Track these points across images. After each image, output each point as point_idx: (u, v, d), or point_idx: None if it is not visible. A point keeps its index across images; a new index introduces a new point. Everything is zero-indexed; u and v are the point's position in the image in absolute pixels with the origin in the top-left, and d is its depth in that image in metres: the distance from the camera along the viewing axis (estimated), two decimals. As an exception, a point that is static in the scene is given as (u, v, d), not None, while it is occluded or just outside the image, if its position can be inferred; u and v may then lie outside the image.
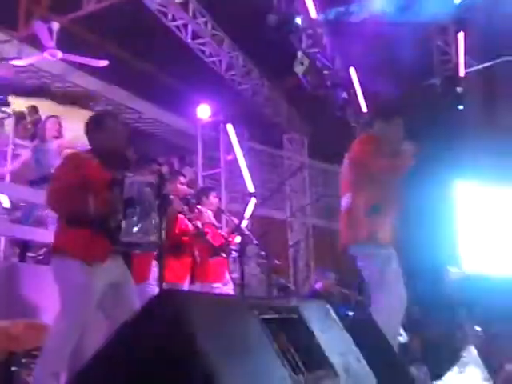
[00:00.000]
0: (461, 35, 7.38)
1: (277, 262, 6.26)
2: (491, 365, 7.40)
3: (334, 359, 1.82)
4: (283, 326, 1.81)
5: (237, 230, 5.20)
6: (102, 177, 2.86)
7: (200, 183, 8.96)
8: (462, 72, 7.49)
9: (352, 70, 7.60)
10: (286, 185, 10.12)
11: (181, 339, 1.52)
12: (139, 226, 2.76)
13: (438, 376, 6.64)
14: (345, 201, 3.72)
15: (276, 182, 10.33)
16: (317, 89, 7.95)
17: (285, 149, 10.24)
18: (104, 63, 7.31)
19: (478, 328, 8.78)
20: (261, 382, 1.55)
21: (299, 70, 7.34)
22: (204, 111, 8.89)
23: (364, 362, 2.04)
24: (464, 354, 7.21)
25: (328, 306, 2.21)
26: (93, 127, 3.14)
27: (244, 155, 9.01)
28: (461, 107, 7.90)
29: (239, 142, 8.92)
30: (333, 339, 1.97)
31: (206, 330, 1.53)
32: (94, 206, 2.78)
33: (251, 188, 8.56)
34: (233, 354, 1.53)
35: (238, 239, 5.14)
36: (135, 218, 2.76)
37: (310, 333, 1.88)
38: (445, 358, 7.34)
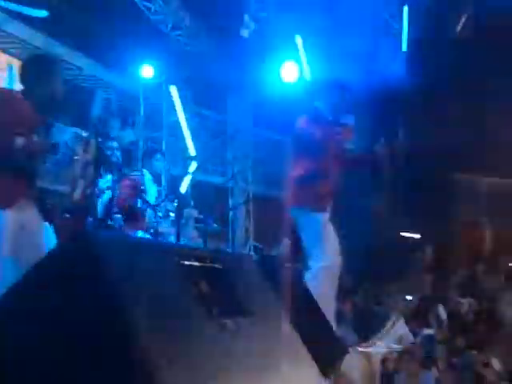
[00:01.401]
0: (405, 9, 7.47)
1: (215, 225, 6.28)
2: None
3: (254, 308, 1.85)
4: (205, 273, 1.82)
5: (174, 192, 5.17)
6: (35, 117, 2.74)
7: (141, 146, 8.81)
8: (404, 47, 7.62)
9: (298, 38, 7.60)
10: (228, 150, 10.08)
11: (97, 282, 1.50)
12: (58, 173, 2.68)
13: (365, 338, 6.94)
14: (289, 167, 3.79)
15: (219, 147, 10.27)
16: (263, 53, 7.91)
17: (229, 113, 10.17)
18: (43, 14, 6.98)
19: (406, 296, 9.21)
20: (178, 326, 1.56)
21: (245, 33, 7.27)
22: (147, 71, 8.67)
23: (286, 315, 2.08)
24: (391, 319, 7.55)
25: (254, 259, 2.23)
26: (28, 69, 3.01)
27: (187, 119, 8.89)
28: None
29: (183, 104, 8.78)
30: (256, 291, 2.00)
31: (123, 272, 1.52)
32: (22, 146, 2.65)
33: (192, 152, 8.49)
34: (150, 298, 1.52)
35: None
36: (55, 165, 2.67)
37: (232, 282, 1.90)
38: (373, 322, 7.66)
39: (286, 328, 1.94)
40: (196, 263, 1.81)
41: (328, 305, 3.50)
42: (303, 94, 6.86)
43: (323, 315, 2.84)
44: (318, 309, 2.80)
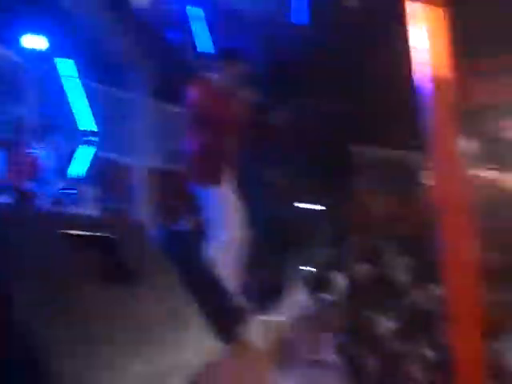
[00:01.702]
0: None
1: (114, 202, 6.13)
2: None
3: (146, 277, 1.83)
4: (92, 241, 1.77)
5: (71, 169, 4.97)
6: None
7: (36, 121, 8.32)
8: (300, 20, 7.74)
9: (188, 9, 7.47)
10: (127, 125, 9.79)
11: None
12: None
13: (268, 308, 7.14)
14: (187, 143, 3.76)
15: (118, 124, 9.95)
16: (161, 27, 7.72)
17: (128, 89, 9.84)
18: None
19: (305, 267, 9.55)
20: (61, 297, 1.51)
21: (141, 4, 7.04)
22: (36, 42, 8.17)
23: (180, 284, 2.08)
24: (292, 288, 7.83)
25: (148, 230, 2.21)
26: None
27: (85, 93, 8.51)
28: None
29: (80, 79, 8.38)
30: (148, 260, 1.98)
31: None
32: None
33: (91, 127, 8.17)
34: (30, 269, 1.45)
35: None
36: None
37: (121, 250, 1.87)
38: (275, 292, 7.90)
39: (179, 296, 1.94)
40: (83, 232, 1.76)
41: (231, 276, 3.55)
42: (202, 66, 6.77)
43: (222, 286, 2.88)
44: (217, 279, 2.83)
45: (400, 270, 11.04)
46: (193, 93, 3.66)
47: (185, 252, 2.97)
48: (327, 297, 7.84)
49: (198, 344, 1.82)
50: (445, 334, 6.50)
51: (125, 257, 1.84)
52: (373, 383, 5.82)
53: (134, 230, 2.13)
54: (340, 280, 9.43)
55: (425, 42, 4.87)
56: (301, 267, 9.13)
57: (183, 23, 7.68)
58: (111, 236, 1.87)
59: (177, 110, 9.71)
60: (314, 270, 9.52)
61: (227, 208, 3.63)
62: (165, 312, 1.78)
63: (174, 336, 1.72)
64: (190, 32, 7.68)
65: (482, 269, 10.08)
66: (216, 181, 3.63)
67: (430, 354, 6.77)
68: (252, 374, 2.62)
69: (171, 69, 8.04)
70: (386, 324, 7.20)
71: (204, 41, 7.81)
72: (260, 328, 4.96)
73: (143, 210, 9.02)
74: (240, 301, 3.61)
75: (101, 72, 9.14)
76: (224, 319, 2.28)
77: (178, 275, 2.10)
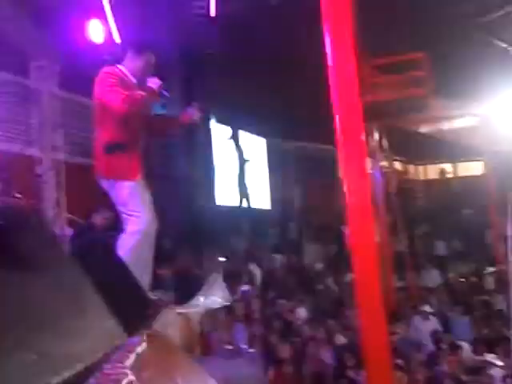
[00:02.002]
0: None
1: (18, 195, 5.85)
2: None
3: (38, 264, 1.78)
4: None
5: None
6: None
7: None
8: (212, 11, 7.73)
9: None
10: (34, 118, 9.34)
11: None
12: None
13: (184, 300, 7.11)
14: (95, 136, 3.66)
15: (23, 115, 9.46)
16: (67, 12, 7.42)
17: (32, 78, 9.37)
18: None
19: (221, 258, 9.63)
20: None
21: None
22: None
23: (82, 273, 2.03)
24: (210, 280, 7.84)
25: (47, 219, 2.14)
26: None
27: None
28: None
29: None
30: (42, 248, 1.92)
31: None
32: None
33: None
34: None
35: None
36: None
37: (13, 238, 1.81)
38: (192, 285, 7.89)
39: (79, 285, 1.91)
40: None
41: (144, 267, 3.50)
42: (109, 56, 6.58)
43: (133, 276, 2.84)
44: (127, 270, 2.79)
45: (314, 258, 11.42)
46: (99, 84, 3.55)
47: (93, 244, 2.92)
48: (244, 287, 7.96)
49: (98, 332, 1.80)
50: (354, 319, 6.81)
51: (18, 244, 1.77)
52: (286, 369, 5.98)
53: (32, 219, 2.05)
54: (255, 270, 9.60)
55: (330, 40, 5.05)
56: (218, 258, 9.18)
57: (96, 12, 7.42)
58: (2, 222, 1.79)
59: (86, 101, 9.41)
60: (231, 260, 9.62)
61: (139, 199, 3.57)
62: (61, 300, 1.74)
63: (70, 324, 1.68)
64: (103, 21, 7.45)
65: (386, 256, 10.61)
66: (127, 176, 3.55)
67: (340, 338, 7.07)
68: (163, 365, 2.61)
69: (80, 59, 7.76)
70: (299, 311, 7.40)
71: (116, 30, 7.62)
72: (175, 319, 4.94)
73: (49, 204, 8.67)
74: (151, 292, 3.57)
75: (5, 59, 8.64)
76: (131, 309, 2.27)
77: (83, 266, 2.06)
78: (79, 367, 1.60)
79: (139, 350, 2.32)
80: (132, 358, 2.12)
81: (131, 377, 1.95)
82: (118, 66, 3.71)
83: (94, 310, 1.87)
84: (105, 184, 3.64)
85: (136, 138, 3.63)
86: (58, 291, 1.79)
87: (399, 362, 6.46)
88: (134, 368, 2.04)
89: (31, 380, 1.47)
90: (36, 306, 1.64)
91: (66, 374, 1.54)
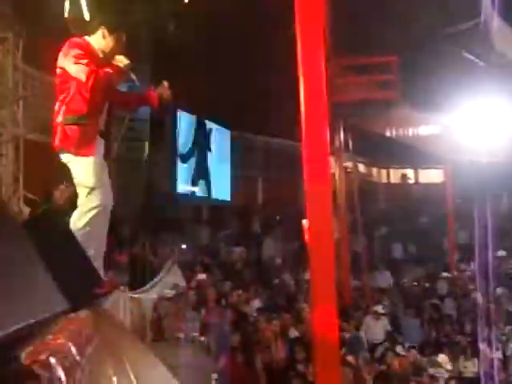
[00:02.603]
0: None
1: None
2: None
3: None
4: None
5: None
6: None
7: None
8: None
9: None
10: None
11: None
12: None
13: (140, 285, 7.06)
14: (57, 110, 3.54)
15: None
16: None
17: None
18: None
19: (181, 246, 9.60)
20: None
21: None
22: None
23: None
24: (165, 268, 7.80)
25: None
26: None
27: None
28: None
29: None
30: None
31: None
32: None
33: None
34: None
35: None
36: None
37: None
38: (148, 271, 7.83)
39: (22, 251, 1.86)
40: None
41: (97, 245, 3.44)
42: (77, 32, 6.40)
43: (82, 253, 2.78)
44: (76, 245, 2.73)
45: (273, 253, 11.48)
46: (66, 53, 3.45)
47: (47, 219, 2.85)
48: (200, 276, 7.93)
49: (39, 296, 1.75)
50: (307, 312, 6.87)
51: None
52: (237, 359, 5.99)
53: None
54: (212, 262, 9.59)
55: (300, 37, 5.08)
56: (175, 247, 9.13)
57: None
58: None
59: (48, 77, 9.17)
60: (188, 249, 9.58)
61: (94, 178, 3.49)
62: (3, 262, 1.68)
63: (11, 285, 1.63)
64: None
65: (343, 255, 10.74)
66: (86, 151, 3.48)
67: (293, 331, 7.13)
68: (109, 343, 2.56)
69: (46, 33, 7.54)
70: (254, 303, 7.42)
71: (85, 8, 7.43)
72: (126, 303, 4.88)
73: (7, 181, 8.42)
74: (104, 273, 3.50)
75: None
76: (77, 283, 2.22)
77: (32, 237, 2.00)
78: (18, 325, 1.55)
79: (83, 324, 2.28)
80: (74, 330, 2.08)
81: (72, 349, 1.92)
82: (86, 38, 3.62)
83: (36, 277, 1.83)
84: (64, 157, 3.56)
85: (96, 112, 3.55)
86: (2, 256, 1.74)
87: (349, 358, 6.56)
88: (76, 341, 2.01)
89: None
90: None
91: (4, 331, 1.49)
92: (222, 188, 12.60)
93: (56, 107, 3.59)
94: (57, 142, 3.56)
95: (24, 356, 1.63)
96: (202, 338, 5.95)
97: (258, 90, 11.70)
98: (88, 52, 3.52)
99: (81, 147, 3.50)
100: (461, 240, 13.51)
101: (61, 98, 3.54)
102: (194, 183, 11.77)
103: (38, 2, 7.85)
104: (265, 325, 6.74)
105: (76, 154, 3.52)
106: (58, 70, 3.54)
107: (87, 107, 3.47)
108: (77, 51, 3.46)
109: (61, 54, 3.51)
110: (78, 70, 3.39)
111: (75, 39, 3.60)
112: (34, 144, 9.05)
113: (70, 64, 3.43)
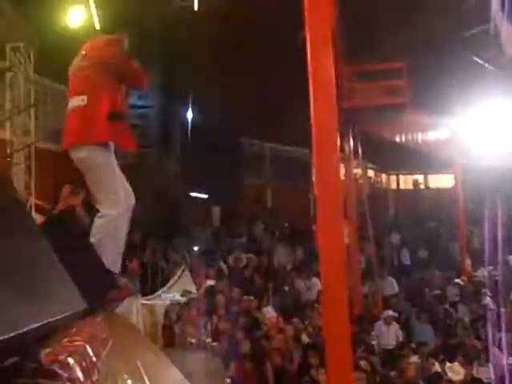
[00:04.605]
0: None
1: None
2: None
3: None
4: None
5: None
6: None
7: None
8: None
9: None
10: (7, 100, 9.16)
11: None
12: None
13: (152, 291, 7.09)
14: (77, 101, 3.46)
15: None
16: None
17: (8, 59, 9.18)
18: None
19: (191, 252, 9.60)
20: None
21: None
22: None
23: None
24: (177, 273, 7.82)
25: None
26: None
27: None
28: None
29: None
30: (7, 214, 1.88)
31: None
32: None
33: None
34: None
35: None
36: None
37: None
38: (159, 277, 7.86)
39: (42, 252, 1.88)
40: None
41: (115, 251, 3.37)
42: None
43: (99, 258, 2.80)
44: (92, 249, 2.76)
45: (283, 259, 11.46)
46: (111, 47, 3.46)
47: (63, 222, 2.87)
48: (210, 282, 7.93)
49: (58, 296, 1.76)
50: (320, 318, 6.85)
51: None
52: (249, 366, 5.97)
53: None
54: (223, 267, 9.58)
55: (309, 43, 5.09)
56: (185, 253, 9.15)
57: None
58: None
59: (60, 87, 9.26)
60: (198, 256, 9.58)
61: (115, 181, 3.43)
62: (24, 263, 1.70)
63: (32, 285, 1.65)
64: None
65: (354, 261, 10.68)
66: (126, 144, 3.42)
67: (305, 337, 7.11)
68: (123, 346, 2.58)
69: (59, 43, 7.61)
70: (266, 309, 7.41)
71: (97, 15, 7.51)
72: (139, 308, 4.90)
73: (19, 188, 8.48)
74: (117, 277, 3.50)
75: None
76: (93, 285, 2.23)
77: (51, 239, 2.02)
78: (36, 325, 1.57)
79: (99, 327, 2.30)
80: (90, 333, 2.10)
81: (88, 350, 1.94)
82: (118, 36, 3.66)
83: (56, 277, 1.85)
84: (79, 157, 3.43)
85: (126, 111, 3.57)
86: (22, 255, 1.76)
87: (362, 363, 6.52)
88: (93, 343, 2.02)
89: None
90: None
91: (23, 330, 1.51)
92: (232, 194, 12.60)
93: (88, 101, 3.49)
94: (92, 135, 3.44)
95: (43, 356, 1.66)
96: (214, 344, 5.95)
97: (268, 97, 11.73)
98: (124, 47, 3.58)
99: (123, 142, 3.45)
100: (473, 245, 13.42)
101: (95, 91, 3.48)
102: (204, 189, 11.78)
103: (50, 12, 7.93)
104: (277, 331, 6.72)
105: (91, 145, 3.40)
106: (95, 63, 3.51)
107: (123, 105, 3.50)
108: (122, 49, 3.52)
109: (101, 47, 3.53)
110: (132, 67, 3.48)
111: (111, 37, 3.62)
112: (45, 152, 9.15)
113: (121, 60, 3.48)
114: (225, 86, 10.70)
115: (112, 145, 3.50)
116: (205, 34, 9.25)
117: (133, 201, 3.49)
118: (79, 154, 3.41)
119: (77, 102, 3.46)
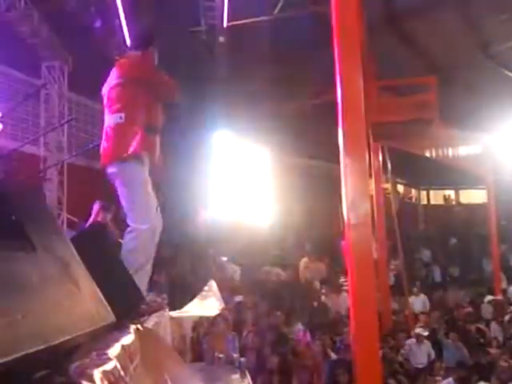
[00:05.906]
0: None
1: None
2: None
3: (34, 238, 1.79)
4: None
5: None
6: None
7: None
8: (225, 22, 7.81)
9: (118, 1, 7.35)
10: (42, 117, 9.40)
11: None
12: None
13: (180, 306, 7.10)
14: (114, 119, 3.52)
15: (31, 114, 9.53)
16: (81, 16, 7.49)
17: (43, 78, 9.44)
18: None
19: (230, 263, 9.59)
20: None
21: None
22: None
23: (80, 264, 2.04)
24: (205, 288, 7.83)
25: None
26: None
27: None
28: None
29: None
30: (40, 226, 1.93)
31: None
32: None
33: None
34: None
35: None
36: None
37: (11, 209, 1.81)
38: (188, 291, 7.87)
39: (73, 266, 1.92)
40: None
41: (146, 263, 3.41)
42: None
43: (127, 272, 2.83)
44: (121, 263, 2.80)
45: (312, 274, 11.39)
46: (145, 63, 3.55)
47: (93, 236, 2.91)
48: (238, 297, 7.93)
49: (87, 310, 1.80)
50: (349, 335, 6.77)
51: (19, 216, 1.78)
52: (275, 381, 5.93)
53: (32, 196, 2.06)
54: (252, 282, 9.57)
55: (338, 59, 5.11)
56: (216, 267, 9.17)
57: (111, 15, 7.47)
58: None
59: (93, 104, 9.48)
60: (227, 271, 9.59)
61: (148, 196, 3.46)
62: (56, 275, 1.74)
63: (62, 298, 1.68)
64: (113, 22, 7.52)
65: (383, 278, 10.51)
66: (136, 156, 3.45)
67: (332, 353, 7.03)
68: (152, 360, 2.60)
69: (93, 61, 7.81)
70: (295, 325, 7.35)
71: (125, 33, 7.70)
72: (167, 323, 4.92)
73: (51, 204, 8.67)
74: (146, 291, 3.53)
75: (15, 59, 8.71)
76: (122, 300, 2.26)
77: (81, 253, 2.07)
78: (66, 337, 1.60)
79: (127, 341, 2.33)
80: (118, 347, 2.12)
81: (116, 364, 1.96)
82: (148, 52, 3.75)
83: (85, 290, 1.88)
84: (111, 172, 3.46)
85: (160, 125, 3.64)
86: (53, 268, 1.80)
87: (390, 382, 6.41)
88: (121, 357, 2.05)
89: (19, 340, 1.47)
90: (25, 278, 1.63)
91: (54, 342, 1.54)
92: (258, 210, 12.64)
93: (111, 118, 3.55)
94: (106, 150, 3.50)
95: (72, 370, 1.68)
96: (242, 359, 5.92)
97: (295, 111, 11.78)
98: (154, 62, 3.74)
99: (143, 157, 3.49)
100: (506, 262, 13.11)
101: (135, 104, 3.56)
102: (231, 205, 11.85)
103: (83, 30, 8.14)
104: (306, 345, 6.67)
105: (124, 160, 3.43)
106: (134, 78, 3.60)
107: (156, 117, 3.63)
108: (150, 61, 3.67)
109: (137, 63, 3.63)
110: (168, 81, 3.63)
111: (141, 53, 3.71)
112: (77, 168, 9.35)
113: (156, 74, 3.61)
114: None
115: (147, 160, 3.53)
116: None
117: (160, 226, 3.50)
118: (114, 169, 3.46)
119: (114, 119, 3.51)
